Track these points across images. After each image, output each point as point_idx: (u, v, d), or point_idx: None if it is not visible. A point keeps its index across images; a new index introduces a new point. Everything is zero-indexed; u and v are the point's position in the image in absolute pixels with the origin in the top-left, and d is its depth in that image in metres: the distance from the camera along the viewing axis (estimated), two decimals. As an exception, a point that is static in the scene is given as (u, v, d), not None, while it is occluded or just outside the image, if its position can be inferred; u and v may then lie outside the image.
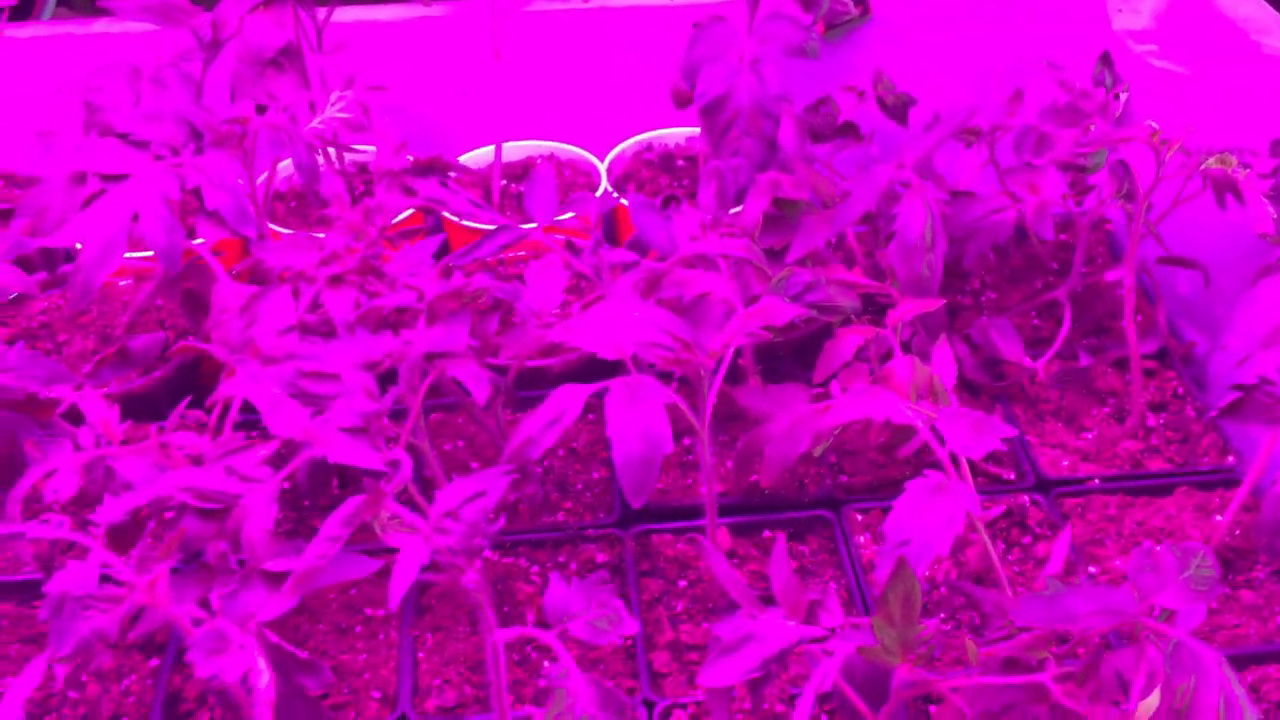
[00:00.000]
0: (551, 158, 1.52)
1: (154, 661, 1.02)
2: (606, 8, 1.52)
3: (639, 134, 1.54)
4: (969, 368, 1.22)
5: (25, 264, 0.98)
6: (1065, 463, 1.15)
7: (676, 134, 1.55)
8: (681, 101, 1.36)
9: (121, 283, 1.31)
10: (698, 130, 1.55)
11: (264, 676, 0.69)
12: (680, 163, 1.54)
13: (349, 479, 1.04)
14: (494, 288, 0.98)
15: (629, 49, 1.54)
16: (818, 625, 0.75)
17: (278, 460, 0.84)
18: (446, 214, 1.30)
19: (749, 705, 0.92)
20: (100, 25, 1.44)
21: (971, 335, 1.23)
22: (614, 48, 1.54)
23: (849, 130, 1.25)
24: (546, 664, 1.00)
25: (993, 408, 1.22)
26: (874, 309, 1.14)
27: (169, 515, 0.84)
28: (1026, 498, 1.11)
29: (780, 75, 1.21)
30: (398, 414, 0.97)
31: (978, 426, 0.82)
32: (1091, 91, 1.17)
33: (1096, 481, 1.13)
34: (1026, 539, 1.09)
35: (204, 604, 0.76)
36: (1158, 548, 0.74)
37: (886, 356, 1.06)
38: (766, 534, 1.11)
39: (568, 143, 1.53)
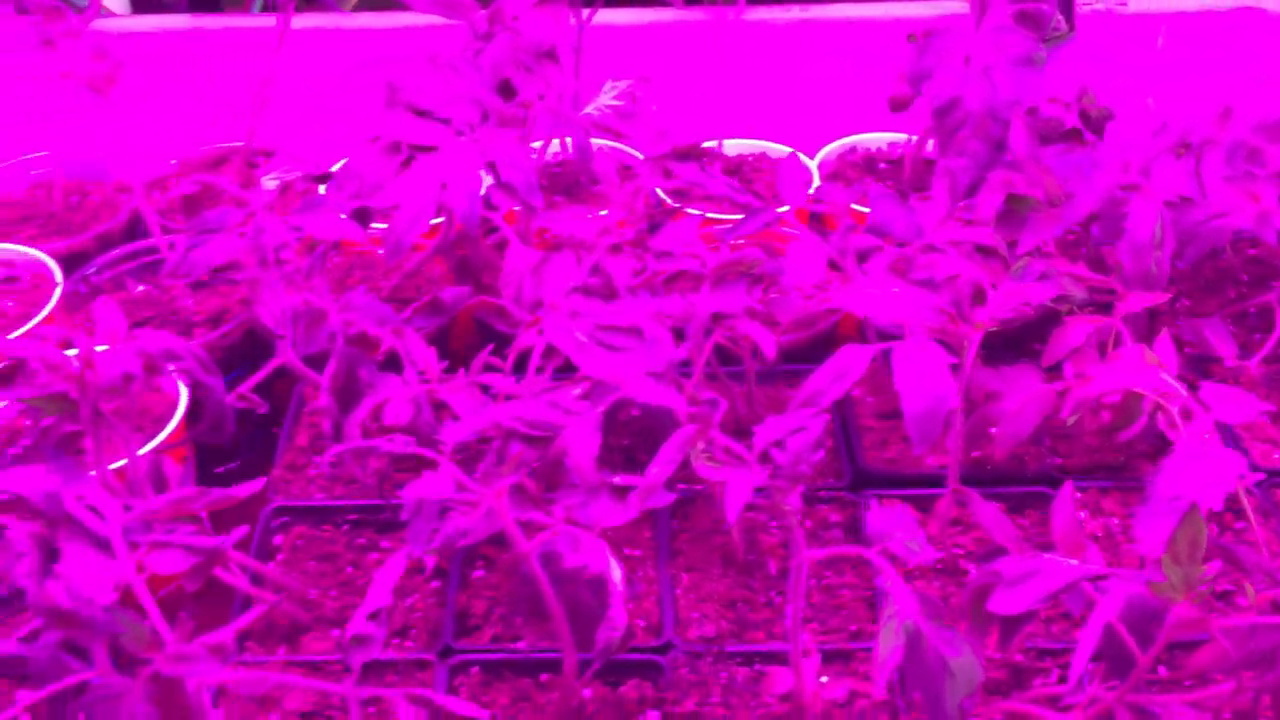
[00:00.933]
0: (763, 156, 1.62)
1: (435, 584, 1.13)
2: (818, 19, 1.62)
3: (843, 138, 1.63)
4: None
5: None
6: (1276, 455, 1.22)
7: (878, 138, 1.64)
8: (898, 105, 1.46)
9: (379, 250, 1.44)
10: (899, 136, 1.65)
11: (617, 571, 0.79)
12: (882, 165, 1.63)
13: (638, 429, 1.13)
14: (765, 261, 1.08)
15: (834, 57, 1.63)
16: (1094, 567, 0.83)
17: (589, 399, 0.95)
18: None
19: (996, 655, 1.00)
20: (381, 20, 1.58)
21: (1181, 334, 1.29)
22: (820, 56, 1.63)
23: (1074, 135, 1.33)
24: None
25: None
26: (1094, 304, 1.22)
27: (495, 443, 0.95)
28: (1240, 489, 1.18)
29: (1009, 82, 1.30)
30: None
31: (1239, 398, 0.89)
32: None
33: (1307, 478, 1.19)
34: (1240, 524, 1.15)
35: (545, 516, 0.86)
36: None
37: (1104, 346, 1.13)
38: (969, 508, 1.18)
39: (776, 143, 1.63)
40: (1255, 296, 1.38)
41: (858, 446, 1.23)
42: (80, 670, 0.84)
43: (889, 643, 0.75)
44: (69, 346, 0.94)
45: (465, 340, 1.31)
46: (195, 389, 0.95)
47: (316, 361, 1.07)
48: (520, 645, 1.06)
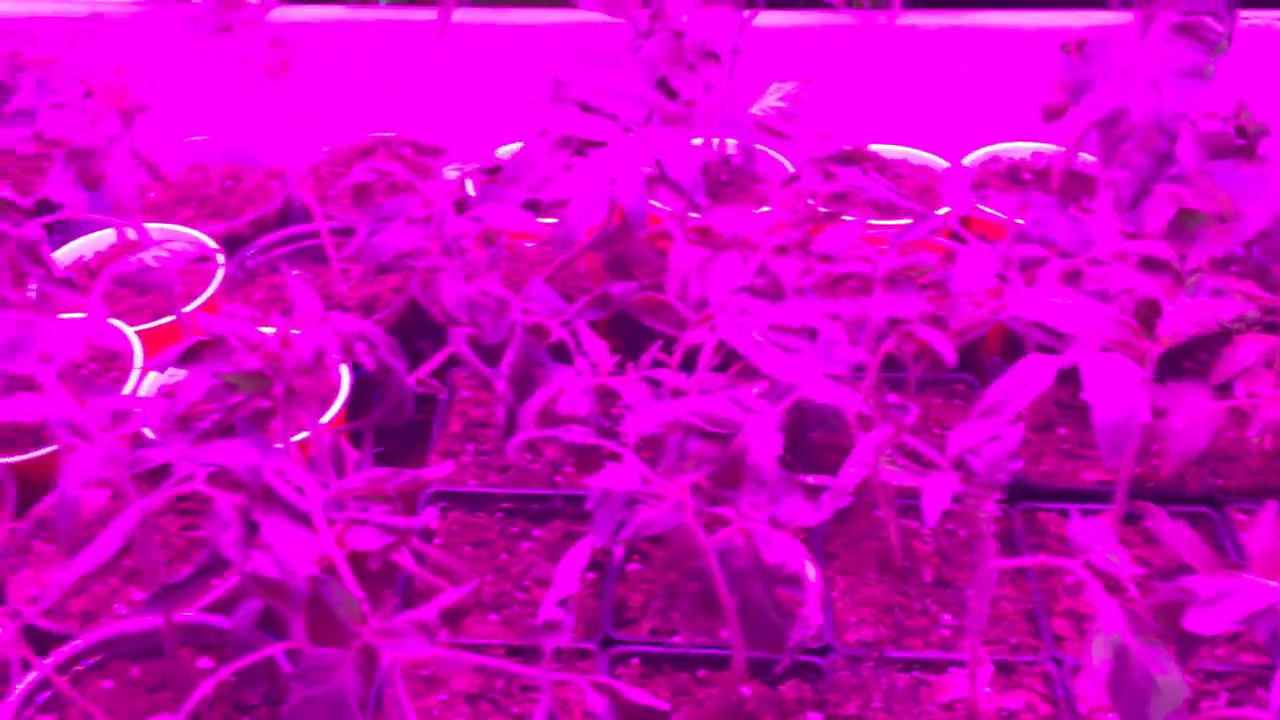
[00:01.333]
0: (904, 162, 1.61)
1: (590, 575, 1.14)
2: (970, 26, 1.61)
3: (985, 146, 1.62)
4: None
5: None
6: None
7: (1022, 148, 1.63)
8: (1053, 115, 1.44)
9: (527, 245, 1.46)
10: (1043, 146, 1.63)
11: (812, 570, 0.80)
12: (1026, 176, 1.62)
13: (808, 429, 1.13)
14: (937, 266, 1.08)
15: (984, 64, 1.62)
16: (1295, 589, 0.81)
17: (769, 398, 0.95)
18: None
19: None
20: (538, 16, 1.60)
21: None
22: (970, 62, 1.62)
23: (1244, 151, 1.31)
24: (946, 618, 1.09)
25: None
26: (1262, 324, 1.20)
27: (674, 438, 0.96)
28: None
29: (1176, 94, 1.28)
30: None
31: None
32: None
33: None
34: None
35: (735, 513, 0.87)
36: None
37: (1274, 366, 1.11)
38: (1148, 523, 1.17)
39: (916, 149, 1.62)
40: None
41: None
42: (272, 643, 0.87)
43: (1100, 655, 0.74)
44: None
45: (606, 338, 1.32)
46: (380, 371, 0.97)
47: (482, 352, 1.09)
48: (678, 639, 1.07)
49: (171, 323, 1.30)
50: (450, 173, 1.14)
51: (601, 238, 1.27)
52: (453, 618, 1.09)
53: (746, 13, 1.33)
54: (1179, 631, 0.84)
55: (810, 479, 0.85)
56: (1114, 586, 1.11)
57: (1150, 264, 1.15)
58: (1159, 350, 0.98)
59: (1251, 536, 0.84)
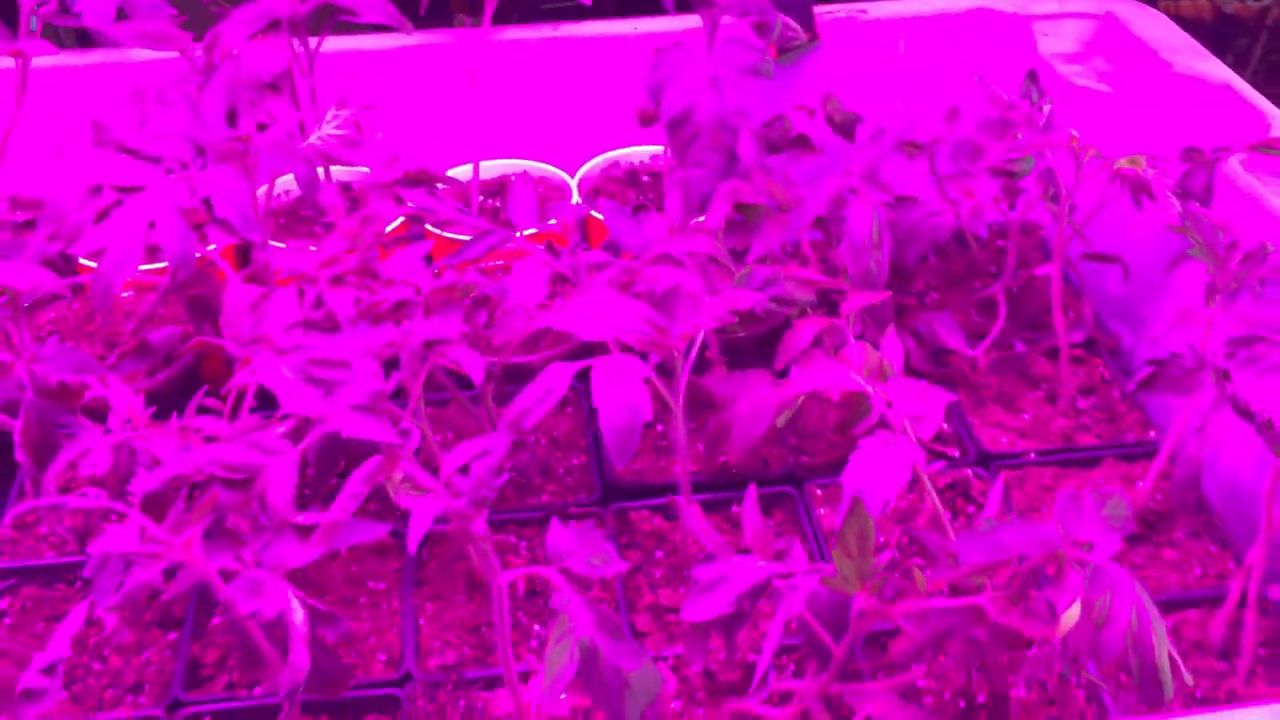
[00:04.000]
0: (525, 175, 1.62)
1: (172, 635, 1.10)
2: (572, 36, 1.63)
3: (606, 153, 1.65)
4: (915, 359, 1.33)
5: (51, 267, 1.06)
6: (1004, 440, 1.27)
7: (641, 152, 1.66)
8: (646, 120, 1.47)
9: (124, 294, 1.40)
10: (660, 149, 1.67)
11: (299, 613, 0.78)
12: (645, 178, 1.65)
13: (355, 460, 1.12)
14: (483, 284, 1.08)
15: (593, 74, 1.65)
16: (785, 565, 0.85)
17: (295, 436, 0.93)
18: (430, 226, 1.40)
19: (723, 655, 1.02)
20: (95, 56, 1.53)
21: (918, 329, 1.34)
22: (579, 73, 1.65)
23: (801, 143, 1.36)
24: (537, 628, 1.09)
25: (937, 392, 1.33)
26: (827, 305, 1.26)
27: (194, 489, 0.92)
28: (970, 471, 1.23)
29: (738, 93, 1.32)
30: (397, 400, 1.06)
31: (923, 393, 0.93)
32: (1018, 104, 1.29)
33: (1032, 455, 1.25)
34: (971, 508, 1.20)
35: (235, 561, 0.84)
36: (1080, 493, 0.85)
37: (840, 345, 1.17)
38: (735, 509, 1.21)
39: (540, 162, 1.63)
40: (997, 283, 1.44)
41: (608, 458, 1.23)
42: None
43: (558, 662, 0.75)
44: None
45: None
46: None
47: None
48: (258, 691, 1.04)
49: None
50: (-49, 231, 1.08)
51: (173, 284, 1.22)
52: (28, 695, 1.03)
53: (314, 40, 1.31)
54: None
55: (305, 517, 0.83)
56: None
57: (712, 261, 1.19)
58: (683, 346, 1.01)
59: (744, 515, 0.87)
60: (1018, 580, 0.81)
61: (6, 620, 1.10)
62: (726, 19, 1.36)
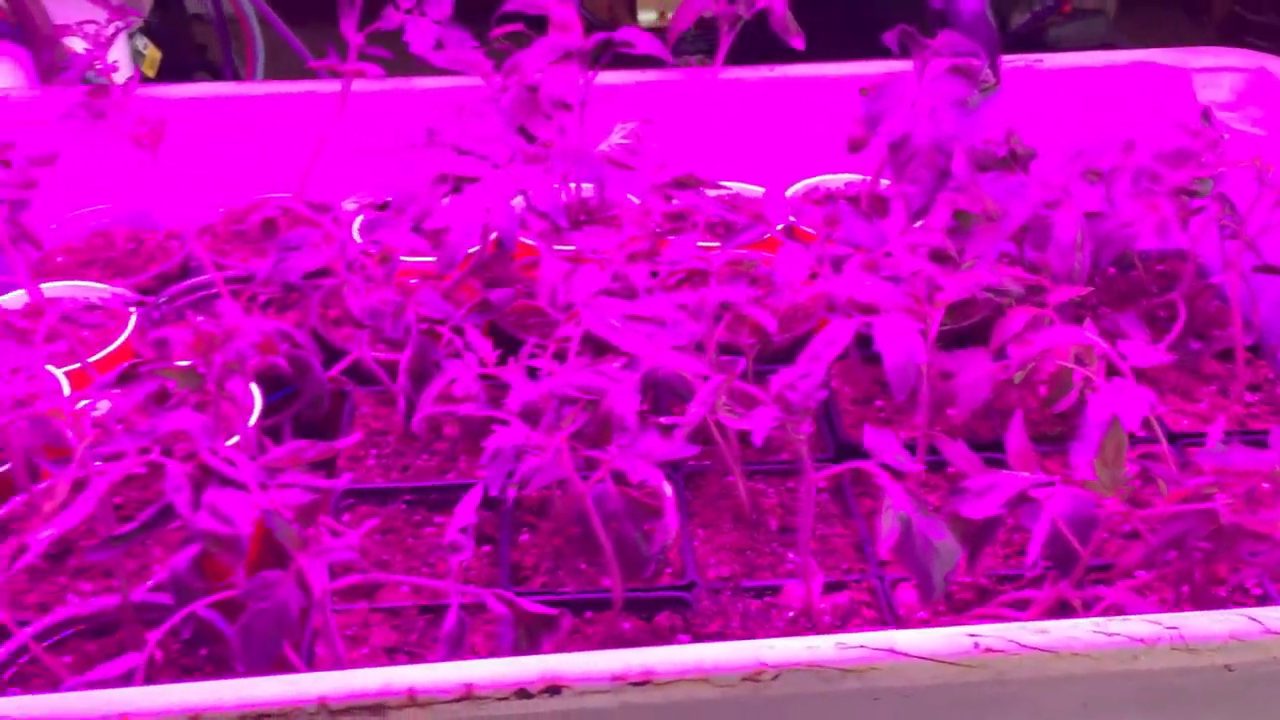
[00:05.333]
0: (738, 195, 1.86)
1: (486, 549, 1.31)
2: (785, 76, 1.87)
3: (805, 179, 1.88)
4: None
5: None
6: (1185, 423, 1.45)
7: (836, 179, 1.89)
8: (855, 146, 1.70)
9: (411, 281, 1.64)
10: (853, 176, 1.90)
11: (668, 486, 0.99)
12: (841, 201, 1.87)
13: (666, 394, 1.32)
14: (761, 261, 1.30)
15: (798, 109, 1.88)
16: (1044, 477, 1.04)
17: (628, 369, 1.15)
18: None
19: (966, 578, 1.20)
20: (380, 83, 1.80)
21: (1102, 325, 1.53)
22: (785, 109, 1.88)
23: (1006, 164, 1.58)
24: (790, 555, 1.29)
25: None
26: (1027, 300, 1.46)
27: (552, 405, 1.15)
28: (1161, 448, 1.41)
29: (950, 121, 1.54)
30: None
31: (1147, 349, 1.12)
32: (1202, 130, 1.49)
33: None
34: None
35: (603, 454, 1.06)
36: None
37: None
38: (939, 446, 1.40)
39: (745, 183, 1.87)
40: (1161, 300, 1.63)
41: (839, 426, 1.44)
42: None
43: (888, 525, 0.95)
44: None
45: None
46: (298, 368, 1.14)
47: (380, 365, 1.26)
48: (566, 589, 1.25)
49: (92, 363, 1.44)
50: (349, 205, 1.32)
51: (477, 264, 1.46)
52: (368, 591, 1.25)
53: (590, 71, 1.56)
54: (968, 526, 1.06)
55: (665, 420, 1.05)
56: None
57: (934, 255, 1.40)
58: (939, 312, 1.22)
59: (1007, 442, 1.07)
60: (1242, 493, 1.00)
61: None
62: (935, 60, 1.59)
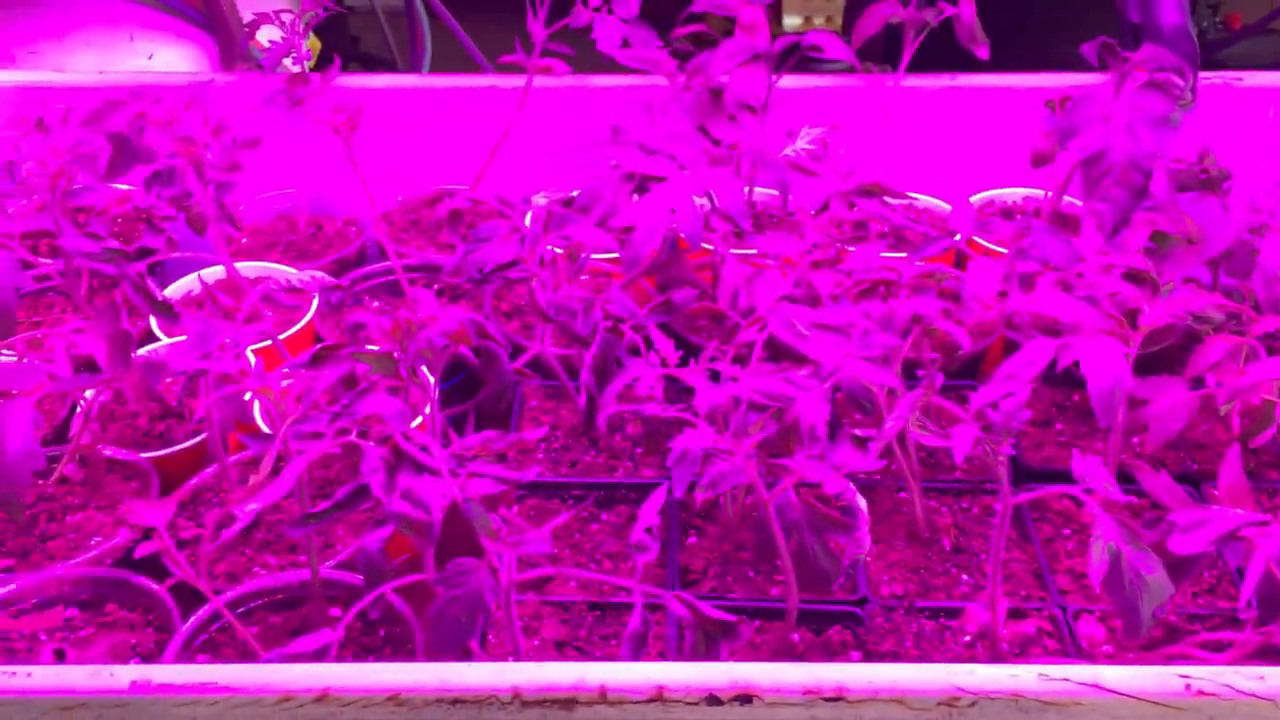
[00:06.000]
0: (911, 205, 1.82)
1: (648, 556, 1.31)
2: (967, 86, 1.82)
3: (981, 192, 1.83)
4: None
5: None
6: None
7: (1014, 193, 1.84)
8: (1040, 160, 1.65)
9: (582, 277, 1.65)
10: (1031, 190, 1.85)
11: (862, 501, 0.97)
12: (1018, 216, 1.82)
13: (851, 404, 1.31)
14: (951, 275, 1.27)
15: (973, 120, 1.84)
16: (1257, 515, 0.99)
17: (815, 378, 1.13)
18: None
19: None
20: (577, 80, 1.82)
21: (1303, 360, 1.45)
22: (962, 118, 1.84)
23: (1209, 184, 1.51)
24: (965, 577, 1.26)
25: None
26: (1227, 328, 1.39)
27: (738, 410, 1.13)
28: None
29: (1149, 137, 1.48)
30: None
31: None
32: None
33: None
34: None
35: (789, 461, 1.04)
36: None
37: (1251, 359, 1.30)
38: (1137, 477, 1.34)
39: (919, 193, 1.83)
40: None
41: (1018, 449, 1.40)
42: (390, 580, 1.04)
43: (1098, 558, 0.92)
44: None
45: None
46: (485, 359, 1.15)
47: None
48: (735, 595, 1.23)
49: (276, 343, 1.48)
50: (539, 200, 1.34)
51: (653, 264, 1.46)
52: (538, 585, 1.26)
53: (774, 76, 1.54)
54: (1168, 560, 1.01)
55: (860, 431, 1.03)
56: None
57: (1131, 275, 1.35)
58: (1140, 337, 1.17)
59: (1220, 477, 1.02)
60: None
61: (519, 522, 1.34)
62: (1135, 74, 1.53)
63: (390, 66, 3.19)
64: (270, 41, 1.64)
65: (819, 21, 3.95)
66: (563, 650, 1.18)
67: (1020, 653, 1.16)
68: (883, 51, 2.00)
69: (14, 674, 0.84)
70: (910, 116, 1.83)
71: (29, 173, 1.21)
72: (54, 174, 1.22)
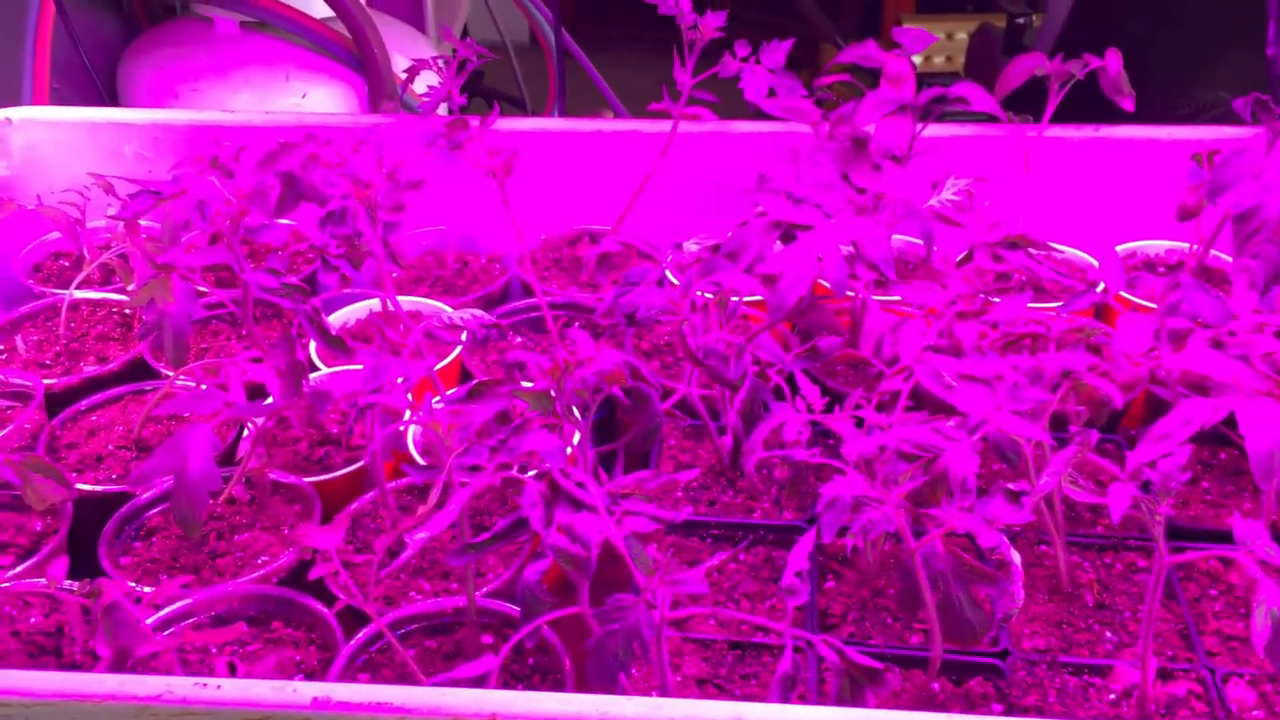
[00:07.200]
0: (1049, 256, 1.81)
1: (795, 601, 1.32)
2: (1110, 138, 1.81)
3: (1125, 243, 1.81)
4: None
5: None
6: None
7: (1157, 245, 1.82)
8: (1186, 214, 1.64)
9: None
10: (1175, 244, 1.82)
11: (1016, 555, 0.98)
12: (1161, 269, 1.80)
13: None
14: (1099, 330, 1.27)
15: (1114, 171, 1.82)
16: None
17: (963, 429, 1.14)
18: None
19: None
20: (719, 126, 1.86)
21: None
22: (1103, 169, 1.83)
23: (1368, 243, 1.48)
24: (1108, 634, 1.24)
25: None
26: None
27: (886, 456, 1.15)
28: None
29: (1303, 195, 1.46)
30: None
31: None
32: None
33: None
34: None
35: (939, 512, 1.05)
36: None
37: None
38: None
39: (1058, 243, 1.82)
40: None
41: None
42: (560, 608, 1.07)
43: (1261, 624, 0.91)
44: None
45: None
46: (636, 400, 1.18)
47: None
48: (875, 642, 1.24)
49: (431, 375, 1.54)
50: (690, 246, 1.37)
51: (794, 309, 1.48)
52: (680, 622, 1.28)
53: (919, 125, 1.56)
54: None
55: (1014, 485, 1.03)
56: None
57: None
58: (1292, 398, 1.15)
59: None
60: None
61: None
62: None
63: (517, 102, 3.28)
64: (429, 87, 1.71)
65: (939, 61, 3.93)
66: (703, 687, 1.21)
67: (1167, 714, 1.14)
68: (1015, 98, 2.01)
69: (205, 685, 0.89)
70: (1050, 166, 1.82)
71: (216, 212, 1.29)
72: (236, 214, 1.29)
